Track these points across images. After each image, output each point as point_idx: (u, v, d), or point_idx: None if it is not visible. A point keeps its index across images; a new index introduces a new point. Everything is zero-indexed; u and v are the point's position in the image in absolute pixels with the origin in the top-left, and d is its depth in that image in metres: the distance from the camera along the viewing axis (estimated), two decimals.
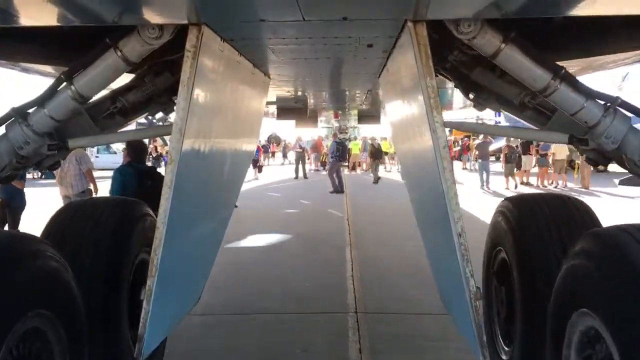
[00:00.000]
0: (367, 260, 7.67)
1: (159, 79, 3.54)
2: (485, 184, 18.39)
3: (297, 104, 8.52)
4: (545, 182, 18.99)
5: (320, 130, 34.36)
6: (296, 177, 22.56)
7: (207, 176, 3.56)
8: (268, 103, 11.15)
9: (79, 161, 7.99)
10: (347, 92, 7.61)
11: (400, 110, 3.90)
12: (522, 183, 19.03)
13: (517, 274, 3.34)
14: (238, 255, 8.11)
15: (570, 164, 19.22)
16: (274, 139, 49.37)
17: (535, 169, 20.03)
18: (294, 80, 5.95)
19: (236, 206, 13.81)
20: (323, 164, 29.17)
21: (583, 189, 17.30)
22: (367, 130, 39.37)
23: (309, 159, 28.13)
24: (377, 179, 20.60)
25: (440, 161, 2.54)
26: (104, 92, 3.80)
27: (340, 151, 17.54)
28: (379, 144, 22.67)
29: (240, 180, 5.71)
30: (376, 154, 21.49)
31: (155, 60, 3.30)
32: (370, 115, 13.23)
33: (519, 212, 3.49)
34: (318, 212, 12.98)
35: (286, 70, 4.71)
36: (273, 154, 41.79)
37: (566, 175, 18.04)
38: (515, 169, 18.80)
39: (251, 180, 21.64)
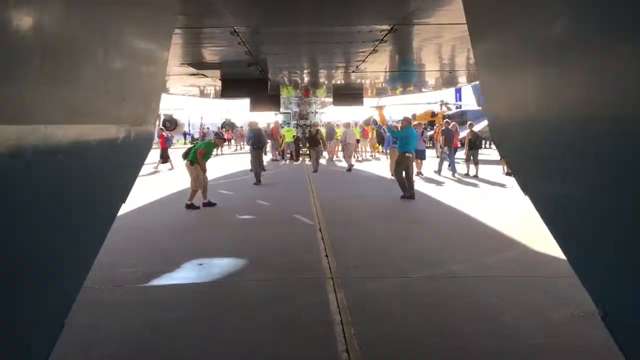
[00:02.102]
0: (364, 313, 4.91)
1: None
2: (454, 172, 17.68)
3: (252, 68, 5.49)
4: None
5: (277, 117, 31.49)
6: (252, 170, 19.52)
7: None
8: (201, 67, 7.75)
9: None
10: (350, 35, 4.55)
11: None
12: (507, 173, 16.74)
13: None
14: (162, 307, 5.15)
15: None
16: (228, 126, 46.36)
17: None
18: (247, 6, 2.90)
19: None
20: (281, 154, 26.61)
21: None
22: (328, 117, 36.79)
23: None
24: (315, 169, 18.91)
25: None
26: None
27: (254, 139, 16.23)
28: (317, 130, 20.04)
29: (125, 184, 2.96)
30: (313, 141, 19.18)
31: None
32: (349, 93, 10.15)
33: None
34: (280, 218, 10.09)
35: None
36: (228, 141, 39.04)
37: None
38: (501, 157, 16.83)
39: (150, 174, 18.82)
